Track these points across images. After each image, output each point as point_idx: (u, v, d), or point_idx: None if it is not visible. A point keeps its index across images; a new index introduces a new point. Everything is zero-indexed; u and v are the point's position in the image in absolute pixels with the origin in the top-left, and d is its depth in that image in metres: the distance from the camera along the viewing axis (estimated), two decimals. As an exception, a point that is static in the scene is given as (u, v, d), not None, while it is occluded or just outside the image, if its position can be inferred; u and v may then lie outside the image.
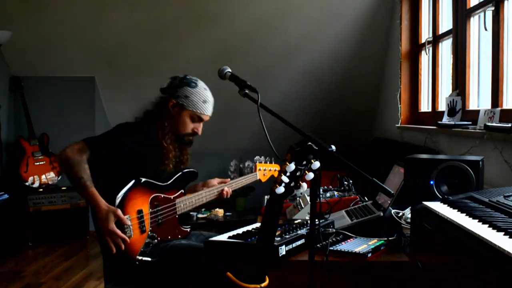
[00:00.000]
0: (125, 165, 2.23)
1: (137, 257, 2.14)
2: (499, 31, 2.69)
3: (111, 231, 2.07)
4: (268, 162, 2.81)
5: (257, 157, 2.81)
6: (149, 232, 2.22)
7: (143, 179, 2.23)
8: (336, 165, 1.69)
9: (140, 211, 2.20)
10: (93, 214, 2.13)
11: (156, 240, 2.22)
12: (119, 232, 2.08)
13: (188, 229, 2.43)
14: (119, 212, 2.10)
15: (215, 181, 2.58)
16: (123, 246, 2.09)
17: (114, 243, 2.08)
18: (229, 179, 2.61)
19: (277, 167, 2.81)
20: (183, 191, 2.43)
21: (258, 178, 2.75)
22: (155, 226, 2.25)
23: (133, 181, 2.20)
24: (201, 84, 2.40)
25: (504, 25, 2.68)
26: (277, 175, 1.60)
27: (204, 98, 2.38)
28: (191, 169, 2.46)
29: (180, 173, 2.41)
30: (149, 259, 2.16)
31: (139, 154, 2.26)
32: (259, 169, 2.76)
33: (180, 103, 2.35)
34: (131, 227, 2.14)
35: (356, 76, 5.06)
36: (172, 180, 2.36)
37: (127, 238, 2.10)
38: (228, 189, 2.54)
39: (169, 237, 2.30)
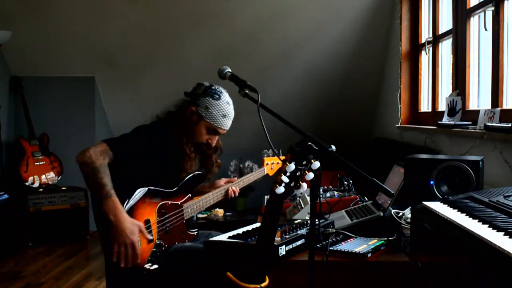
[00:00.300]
0: (139, 169, 2.18)
1: (145, 266, 2.12)
2: (499, 31, 2.69)
3: (133, 244, 2.03)
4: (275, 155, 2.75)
5: (264, 151, 2.71)
6: (156, 241, 2.19)
7: (151, 188, 2.19)
8: (336, 165, 1.68)
9: (147, 221, 2.18)
10: (108, 222, 2.03)
11: (163, 248, 2.20)
12: (138, 247, 2.05)
13: (195, 232, 2.40)
14: (143, 227, 2.09)
15: (222, 181, 2.54)
16: (136, 261, 2.06)
17: (127, 256, 2.05)
18: (236, 178, 2.57)
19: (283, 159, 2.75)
20: (190, 195, 2.39)
21: (266, 172, 2.69)
22: (162, 234, 2.23)
23: (144, 191, 2.16)
24: (225, 98, 2.33)
25: (504, 25, 2.68)
26: (277, 175, 1.61)
27: (224, 112, 2.30)
28: (197, 172, 2.42)
29: (187, 177, 2.36)
30: (156, 266, 2.14)
31: (158, 159, 2.22)
32: (267, 164, 2.69)
33: (199, 112, 2.29)
34: (139, 239, 2.12)
35: (356, 76, 5.06)
36: (179, 185, 2.32)
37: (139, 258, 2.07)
38: (235, 188, 2.50)
39: (176, 242, 2.28)
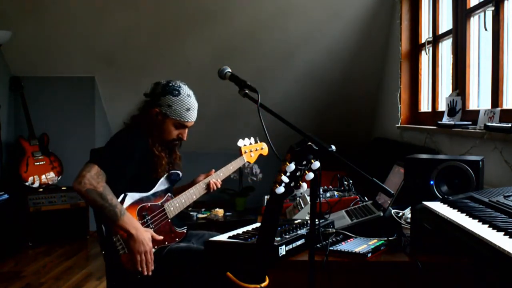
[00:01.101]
0: (119, 178, 2.18)
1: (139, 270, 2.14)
2: (499, 31, 2.69)
3: (151, 250, 2.13)
4: (253, 143, 2.72)
5: (240, 141, 2.70)
6: None
7: (127, 194, 2.20)
8: (336, 165, 1.69)
9: None
10: (128, 236, 2.10)
11: (153, 249, 2.20)
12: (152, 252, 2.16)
13: (184, 230, 2.40)
14: (152, 231, 2.19)
15: (201, 177, 2.54)
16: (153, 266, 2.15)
17: (148, 263, 2.13)
18: (213, 170, 2.56)
19: (263, 145, 2.75)
20: (170, 194, 2.39)
21: (246, 161, 2.69)
22: None
23: (120, 198, 2.17)
24: (184, 91, 2.33)
25: (504, 25, 2.68)
26: (277, 175, 1.60)
27: (187, 106, 2.31)
28: (173, 170, 2.42)
29: (163, 177, 2.36)
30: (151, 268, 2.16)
31: (134, 164, 2.22)
32: (245, 152, 2.68)
33: (163, 112, 2.30)
34: (123, 244, 2.13)
35: (356, 76, 5.06)
36: (156, 186, 2.32)
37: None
38: (215, 181, 2.50)
39: (166, 242, 2.29)
